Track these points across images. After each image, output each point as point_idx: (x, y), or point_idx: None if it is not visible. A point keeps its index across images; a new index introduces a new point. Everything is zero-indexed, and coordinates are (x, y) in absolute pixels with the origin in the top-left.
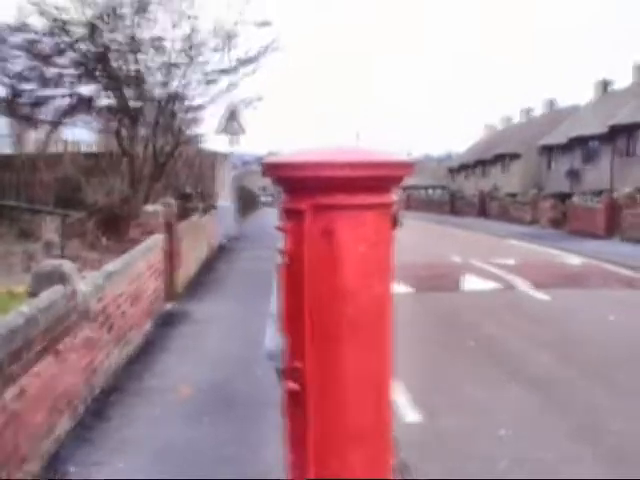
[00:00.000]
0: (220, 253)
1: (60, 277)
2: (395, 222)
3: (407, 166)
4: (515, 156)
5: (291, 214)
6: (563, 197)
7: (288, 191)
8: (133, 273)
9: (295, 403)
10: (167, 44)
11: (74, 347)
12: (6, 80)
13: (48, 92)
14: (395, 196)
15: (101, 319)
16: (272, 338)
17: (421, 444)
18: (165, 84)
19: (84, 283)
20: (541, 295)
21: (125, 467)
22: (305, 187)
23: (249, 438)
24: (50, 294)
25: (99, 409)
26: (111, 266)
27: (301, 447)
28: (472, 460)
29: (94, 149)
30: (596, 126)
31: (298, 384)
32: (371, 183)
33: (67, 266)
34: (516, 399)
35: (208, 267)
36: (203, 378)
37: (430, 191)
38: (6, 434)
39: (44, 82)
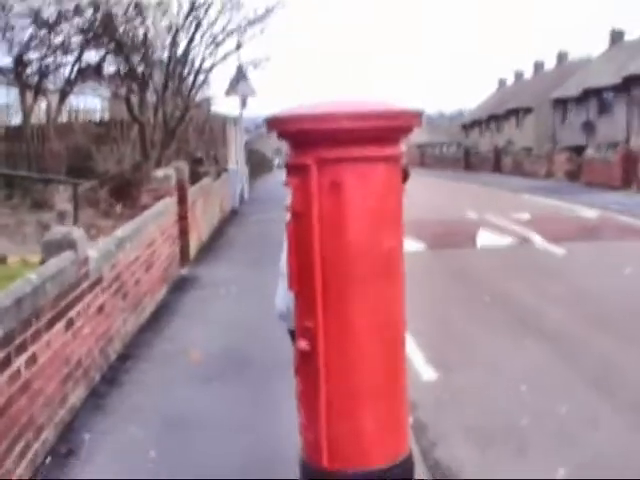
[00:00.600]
0: (232, 217)
1: (70, 244)
2: (405, 175)
3: (414, 116)
4: (528, 110)
5: (297, 169)
6: (578, 150)
7: (293, 146)
8: (145, 239)
9: (306, 362)
10: (173, 6)
11: (87, 315)
12: (13, 49)
13: (55, 60)
14: (404, 148)
15: (115, 286)
16: (283, 298)
17: (438, 402)
18: (172, 47)
19: (95, 250)
20: (556, 249)
21: (138, 432)
22: (309, 141)
23: (263, 402)
24: (59, 261)
25: (114, 376)
26: (122, 232)
27: (313, 407)
28: (490, 416)
29: (104, 117)
30: (610, 77)
31: (309, 343)
32: (378, 134)
33: (76, 233)
34: (532, 354)
35: (221, 231)
36: (218, 343)
37: (444, 148)
38: (21, 403)
39: (51, 50)
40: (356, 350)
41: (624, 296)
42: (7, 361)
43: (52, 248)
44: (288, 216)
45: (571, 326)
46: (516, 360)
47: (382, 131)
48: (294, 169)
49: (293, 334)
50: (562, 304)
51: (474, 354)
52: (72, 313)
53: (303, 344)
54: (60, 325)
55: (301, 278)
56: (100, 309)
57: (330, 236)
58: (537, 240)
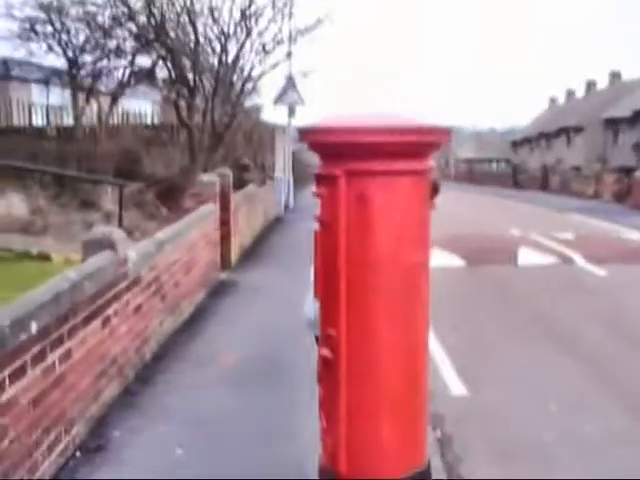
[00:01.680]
0: (276, 224)
1: (110, 244)
2: (435, 189)
3: (443, 132)
4: (579, 129)
5: (326, 180)
6: (627, 171)
7: (323, 157)
8: (186, 242)
9: (328, 370)
10: (225, 14)
11: (125, 314)
12: (68, 52)
13: (108, 64)
14: (433, 163)
15: (154, 287)
16: (311, 306)
17: (468, 418)
18: (222, 54)
19: (135, 250)
20: (598, 270)
21: (168, 431)
22: (339, 152)
23: (293, 408)
24: (97, 260)
25: (148, 376)
26: (162, 234)
27: (333, 414)
28: (519, 438)
29: (154, 120)
30: None
31: (331, 351)
32: (406, 149)
33: (117, 233)
34: (568, 375)
35: (263, 238)
36: (253, 348)
37: (494, 164)
38: (53, 396)
39: (104, 54)
40: (377, 360)
41: None
42: (42, 355)
43: (92, 247)
44: (316, 225)
45: (609, 349)
46: (550, 379)
47: (410, 146)
48: (323, 180)
49: (318, 339)
50: (601, 325)
51: (510, 372)
52: (109, 311)
53: (325, 351)
54: (97, 322)
55: (326, 286)
56: (137, 309)
57: (355, 247)
58: (580, 261)
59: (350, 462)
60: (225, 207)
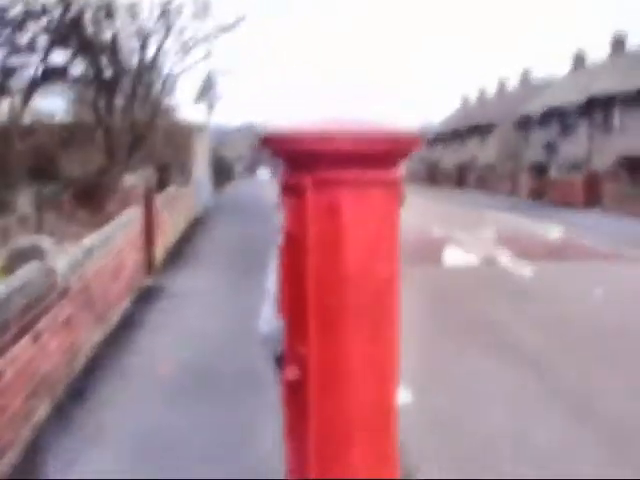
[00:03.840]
0: (197, 225)
1: (37, 254)
2: (401, 200)
3: (416, 139)
4: (491, 127)
5: (292, 190)
6: (540, 168)
7: (289, 165)
8: (113, 248)
9: (295, 392)
10: (144, 11)
11: (54, 328)
12: None
13: (20, 60)
14: (402, 171)
15: (82, 297)
16: (268, 321)
17: (416, 425)
18: (141, 52)
19: (63, 260)
20: (523, 269)
21: (100, 458)
22: (307, 160)
23: (234, 425)
24: (27, 272)
25: (79, 391)
26: (90, 241)
27: (301, 440)
28: (470, 440)
29: (70, 120)
30: (573, 98)
31: (300, 371)
32: (379, 157)
33: (45, 242)
34: (507, 377)
35: (186, 239)
36: (184, 357)
37: (408, 162)
38: None
39: (16, 49)
40: (348, 381)
41: (594, 319)
42: None
43: (18, 257)
44: (280, 238)
45: (544, 349)
46: (489, 382)
47: (383, 154)
48: (289, 190)
49: (278, 361)
50: (533, 325)
51: (448, 377)
52: (39, 325)
53: (293, 372)
54: (27, 338)
55: (294, 303)
56: (67, 321)
57: (325, 262)
58: (504, 259)
59: None
60: (149, 210)
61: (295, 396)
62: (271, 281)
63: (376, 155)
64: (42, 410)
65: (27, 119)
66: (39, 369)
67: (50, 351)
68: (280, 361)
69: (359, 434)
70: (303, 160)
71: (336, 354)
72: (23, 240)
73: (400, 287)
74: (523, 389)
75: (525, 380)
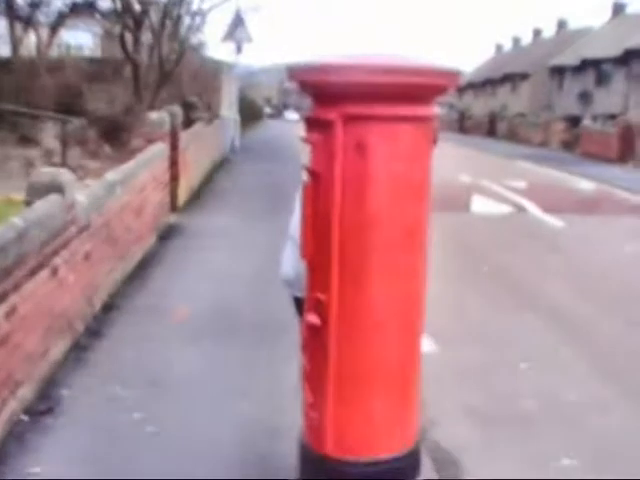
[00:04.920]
0: (223, 164)
1: (58, 187)
2: (434, 139)
3: (453, 75)
4: (524, 76)
5: (319, 125)
6: (572, 119)
7: (316, 99)
8: (137, 184)
9: (315, 338)
10: None
11: (73, 263)
12: None
13: None
14: (437, 109)
15: (104, 233)
16: (290, 264)
17: (438, 378)
18: None
19: (84, 194)
20: (555, 220)
21: (122, 393)
22: (336, 94)
23: (254, 369)
24: (46, 205)
25: (98, 329)
26: (112, 176)
27: (319, 387)
28: (492, 396)
29: (97, 55)
30: (610, 49)
31: (320, 318)
32: (411, 92)
33: (66, 176)
34: (533, 331)
35: (212, 179)
36: (204, 297)
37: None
38: None
39: None
40: (371, 328)
41: (625, 275)
42: None
43: (38, 190)
44: (305, 176)
45: (572, 305)
46: (516, 335)
47: (416, 88)
48: (316, 125)
49: (299, 302)
50: (562, 280)
51: (474, 327)
52: (57, 260)
53: (313, 318)
54: (44, 273)
55: (316, 246)
56: (87, 256)
57: (351, 202)
58: (534, 210)
59: (337, 440)
60: (174, 147)
61: (315, 342)
62: (295, 222)
63: (409, 89)
64: (60, 346)
65: (54, 53)
66: (57, 305)
67: (68, 287)
68: (301, 304)
69: (381, 384)
70: (331, 93)
71: (358, 302)
72: (44, 173)
73: (428, 232)
74: (554, 348)
75: (557, 337)
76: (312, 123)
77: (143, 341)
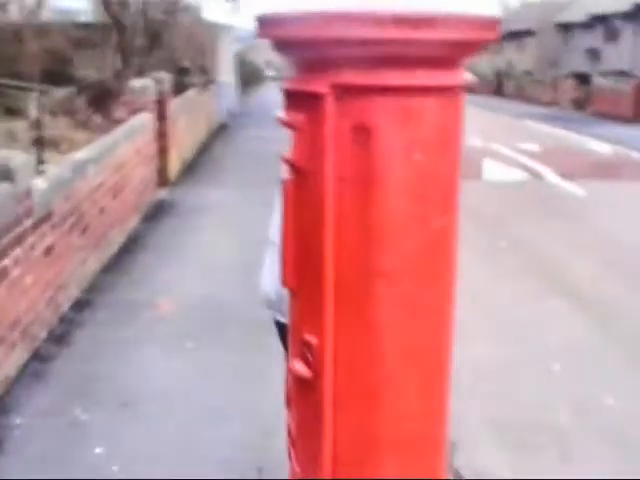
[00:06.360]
0: (221, 132)
1: (7, 174)
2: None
3: (492, 25)
4: (530, 33)
5: (302, 101)
6: (581, 77)
7: (298, 64)
8: (115, 160)
9: (305, 393)
10: None
11: (30, 262)
12: None
13: None
14: (467, 76)
15: (71, 221)
16: (270, 279)
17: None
18: None
19: (44, 179)
20: (574, 187)
21: (89, 420)
22: (326, 56)
23: (246, 373)
24: None
25: (64, 333)
26: (84, 153)
27: (312, 456)
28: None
29: (87, 19)
30: (619, 3)
31: (310, 368)
32: (436, 52)
33: (17, 160)
34: (559, 315)
35: (207, 148)
36: (194, 285)
37: None
38: None
39: None
40: (380, 379)
41: None
42: None
43: None
44: (285, 172)
45: (600, 284)
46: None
47: (443, 46)
48: (298, 100)
49: (282, 328)
50: (589, 255)
51: (490, 312)
52: (6, 262)
53: (301, 368)
54: None
55: (302, 270)
56: (48, 251)
57: (350, 209)
58: (551, 177)
59: None
60: (162, 116)
61: (305, 398)
62: (276, 222)
63: (432, 48)
64: (13, 361)
65: (41, 17)
66: (7, 313)
67: (24, 289)
68: (285, 333)
69: (392, 454)
70: (319, 55)
71: (362, 346)
72: None
73: (457, 246)
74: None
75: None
76: (293, 98)
77: (116, 346)
